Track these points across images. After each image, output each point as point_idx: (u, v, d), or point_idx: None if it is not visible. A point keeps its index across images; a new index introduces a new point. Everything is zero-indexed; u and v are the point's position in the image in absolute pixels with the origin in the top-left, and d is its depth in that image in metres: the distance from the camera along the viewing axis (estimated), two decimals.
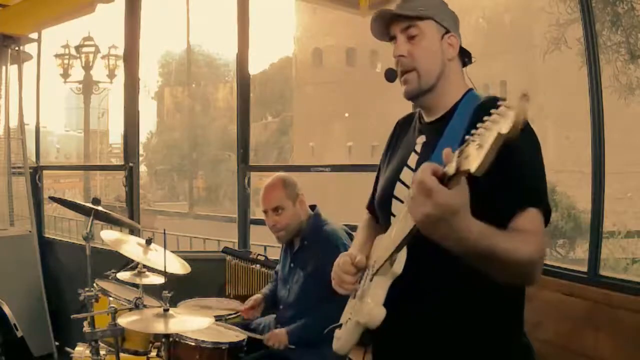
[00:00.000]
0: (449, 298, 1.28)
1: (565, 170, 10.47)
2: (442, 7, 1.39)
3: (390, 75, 1.40)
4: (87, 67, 9.88)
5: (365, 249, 1.46)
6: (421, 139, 1.40)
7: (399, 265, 1.24)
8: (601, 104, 2.41)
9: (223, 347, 2.36)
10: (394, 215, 1.38)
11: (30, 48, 4.18)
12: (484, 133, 0.89)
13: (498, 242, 1.06)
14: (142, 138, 24.94)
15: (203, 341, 2.35)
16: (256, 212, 3.90)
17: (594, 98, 2.42)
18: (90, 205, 2.63)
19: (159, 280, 2.62)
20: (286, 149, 26.23)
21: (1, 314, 2.91)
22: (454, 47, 1.37)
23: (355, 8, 3.63)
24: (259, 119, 26.27)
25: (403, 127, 1.54)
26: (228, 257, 3.39)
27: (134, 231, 3.33)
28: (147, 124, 28.10)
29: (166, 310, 2.19)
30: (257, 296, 2.70)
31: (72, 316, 2.47)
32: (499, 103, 0.89)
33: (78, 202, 2.80)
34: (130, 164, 3.74)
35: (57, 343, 3.86)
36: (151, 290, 2.76)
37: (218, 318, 2.56)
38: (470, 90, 1.38)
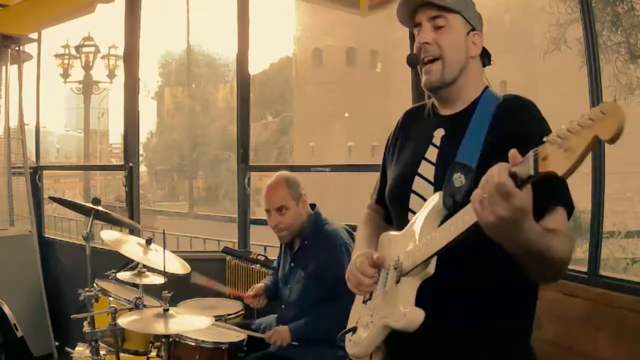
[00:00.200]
0: (474, 297, 1.26)
1: None
2: (470, 4, 1.38)
3: (413, 61, 1.36)
4: (87, 67, 9.88)
5: (371, 246, 1.43)
6: (439, 132, 1.36)
7: (432, 266, 1.20)
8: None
9: (223, 347, 2.36)
10: (412, 211, 1.34)
11: (30, 48, 4.18)
12: (569, 136, 0.87)
13: (551, 241, 1.09)
14: (142, 138, 24.94)
15: (203, 341, 2.35)
16: (256, 212, 3.90)
17: (594, 98, 2.42)
18: (90, 205, 2.62)
19: (159, 280, 2.62)
20: (286, 149, 26.22)
21: (1, 314, 2.92)
22: (477, 46, 1.36)
23: (355, 8, 3.63)
24: (259, 119, 26.25)
25: (412, 117, 1.50)
26: (228, 257, 3.39)
27: (134, 231, 3.33)
28: (147, 124, 28.11)
29: (166, 310, 2.19)
30: (260, 285, 2.69)
31: (72, 316, 2.47)
32: (594, 109, 0.86)
33: (78, 202, 2.80)
34: (130, 164, 3.74)
35: (57, 343, 3.86)
36: (151, 290, 2.76)
37: (218, 318, 2.56)
38: (487, 87, 1.38)
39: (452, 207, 1.19)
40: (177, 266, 2.66)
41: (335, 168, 4.31)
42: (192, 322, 2.22)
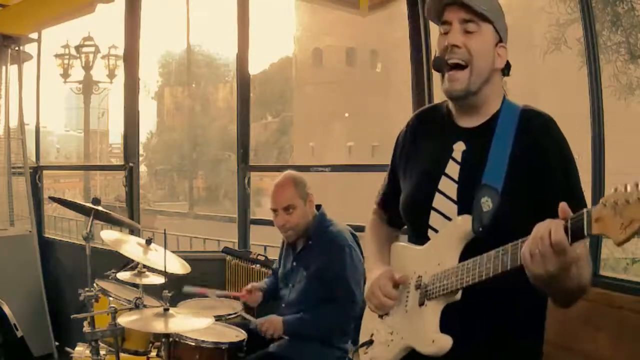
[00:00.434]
0: (497, 318, 1.26)
1: None
2: (502, 16, 1.35)
3: (439, 65, 1.31)
4: (87, 67, 9.90)
5: (385, 259, 1.42)
6: (460, 146, 1.33)
7: (460, 293, 1.21)
8: (601, 104, 2.41)
9: (223, 347, 2.36)
10: (432, 228, 1.32)
11: (30, 48, 4.18)
12: (627, 207, 0.88)
13: (580, 276, 1.13)
14: (142, 138, 24.89)
15: (203, 341, 2.34)
16: (256, 212, 3.90)
17: (594, 98, 2.41)
18: (90, 205, 2.62)
19: (159, 280, 2.61)
20: (286, 149, 26.20)
21: (1, 314, 2.92)
22: (502, 59, 1.33)
23: (355, 8, 3.63)
24: (259, 119, 26.22)
25: (426, 122, 1.46)
26: (228, 257, 3.39)
27: (134, 231, 3.33)
28: (147, 124, 28.02)
29: (166, 309, 2.19)
30: (256, 284, 2.70)
31: (72, 316, 2.46)
32: None
33: (78, 202, 2.80)
34: (130, 164, 3.74)
35: (57, 343, 3.86)
36: (151, 290, 2.76)
37: (218, 318, 2.56)
38: (504, 97, 1.35)
39: (480, 232, 1.20)
40: (177, 266, 2.66)
41: (335, 168, 4.31)
42: (192, 322, 2.22)
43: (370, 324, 1.42)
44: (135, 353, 2.59)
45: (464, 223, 1.23)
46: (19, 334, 3.00)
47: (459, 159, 1.32)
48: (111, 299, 2.58)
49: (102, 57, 9.96)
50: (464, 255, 1.21)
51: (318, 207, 2.57)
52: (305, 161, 21.98)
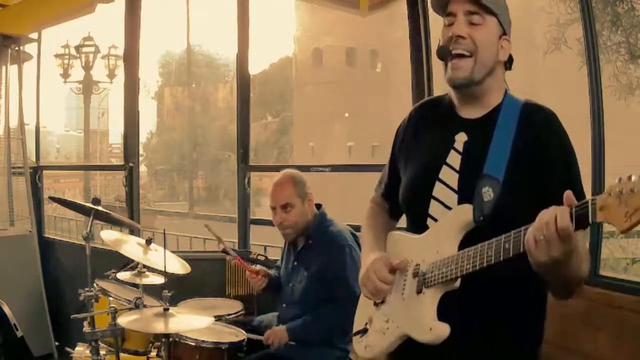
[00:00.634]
0: (496, 307, 1.26)
1: None
2: (506, 9, 1.35)
3: (443, 53, 1.32)
4: (87, 67, 9.90)
5: (381, 247, 1.42)
6: (461, 137, 1.33)
7: (459, 281, 1.21)
8: (601, 104, 2.41)
9: (223, 347, 2.36)
10: (432, 217, 1.31)
11: (30, 48, 4.18)
12: (632, 195, 0.90)
13: (579, 266, 1.13)
14: (142, 138, 24.90)
15: (203, 341, 2.35)
16: (256, 212, 3.90)
17: (594, 98, 2.41)
18: (90, 205, 2.62)
19: (159, 280, 2.62)
20: (286, 149, 26.21)
21: (1, 314, 2.91)
22: (506, 51, 1.34)
23: (355, 8, 3.63)
24: (259, 119, 26.23)
25: (427, 112, 1.46)
26: (228, 257, 3.39)
27: (134, 231, 3.33)
28: (147, 124, 28.02)
29: (166, 309, 2.19)
30: (265, 269, 2.68)
31: (72, 316, 2.47)
32: None
33: (78, 202, 2.80)
34: (130, 164, 3.74)
35: (57, 343, 3.86)
36: (151, 290, 2.76)
37: (218, 318, 2.56)
38: (506, 91, 1.36)
39: (480, 221, 1.20)
40: (177, 266, 2.66)
41: (335, 168, 4.30)
42: (192, 322, 2.22)
43: (365, 312, 1.41)
44: (135, 353, 2.59)
45: (465, 212, 1.23)
46: (19, 334, 3.00)
47: (460, 149, 1.32)
48: (111, 299, 2.58)
49: (102, 57, 9.97)
50: (463, 245, 1.21)
51: (319, 206, 2.57)
52: (305, 161, 21.98)
